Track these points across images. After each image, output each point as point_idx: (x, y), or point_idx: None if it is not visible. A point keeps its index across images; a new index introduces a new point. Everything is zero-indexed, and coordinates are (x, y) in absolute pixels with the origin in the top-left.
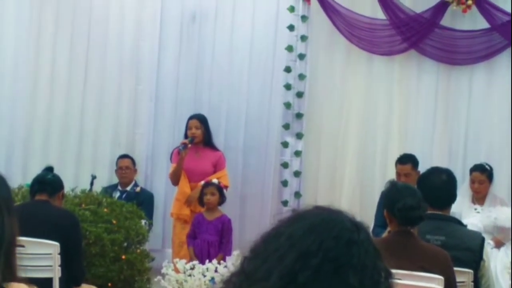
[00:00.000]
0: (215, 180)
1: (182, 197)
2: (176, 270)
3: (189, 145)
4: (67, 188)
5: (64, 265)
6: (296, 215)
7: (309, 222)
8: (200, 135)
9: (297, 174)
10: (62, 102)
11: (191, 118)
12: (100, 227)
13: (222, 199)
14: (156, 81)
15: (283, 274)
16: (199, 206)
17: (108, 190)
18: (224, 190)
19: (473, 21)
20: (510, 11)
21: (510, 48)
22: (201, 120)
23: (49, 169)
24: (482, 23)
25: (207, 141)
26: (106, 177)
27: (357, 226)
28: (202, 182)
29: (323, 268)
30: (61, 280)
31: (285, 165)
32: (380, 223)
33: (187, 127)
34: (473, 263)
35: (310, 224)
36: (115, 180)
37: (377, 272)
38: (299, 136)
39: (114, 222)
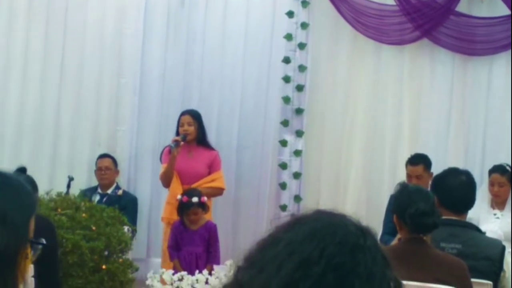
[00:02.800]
0: (194, 199)
1: (174, 200)
2: (163, 282)
3: (182, 143)
4: (41, 191)
5: (38, 276)
6: (295, 220)
7: (310, 227)
8: (193, 132)
9: (297, 175)
10: (36, 96)
11: (183, 113)
12: (78, 234)
13: (205, 210)
14: (140, 73)
15: (282, 284)
16: None
17: (87, 193)
18: (206, 199)
19: (492, 7)
20: None
21: None
22: (194, 116)
23: (21, 170)
24: (502, 9)
25: (201, 139)
26: (84, 178)
27: (363, 231)
28: (179, 197)
29: (326, 277)
30: None
31: (283, 166)
32: (389, 230)
33: (179, 124)
34: (493, 273)
35: (311, 229)
36: (95, 182)
37: (386, 283)
38: (299, 133)
39: (94, 228)
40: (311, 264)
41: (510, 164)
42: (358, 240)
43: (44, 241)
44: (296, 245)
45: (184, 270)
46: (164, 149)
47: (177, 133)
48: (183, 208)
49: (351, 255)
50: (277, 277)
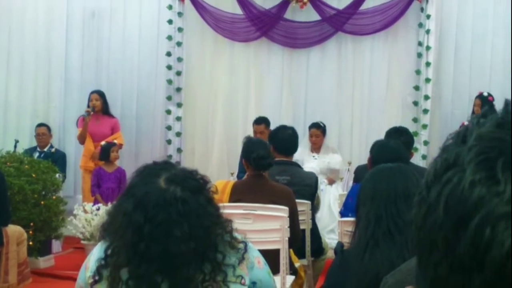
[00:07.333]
0: (115, 141)
1: (87, 153)
2: (85, 212)
3: (91, 113)
4: None
5: None
6: (128, 191)
7: (135, 197)
8: (99, 105)
9: (178, 134)
10: None
11: (92, 92)
12: (22, 180)
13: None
14: (65, 66)
15: (128, 246)
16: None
17: (29, 151)
18: (115, 140)
19: (308, 14)
20: (336, 7)
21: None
22: (100, 94)
23: None
24: (315, 16)
25: (105, 110)
26: (27, 141)
27: (174, 182)
28: (103, 143)
29: (155, 233)
30: None
31: (169, 128)
32: (242, 169)
33: (89, 100)
34: (310, 195)
35: (136, 200)
36: (35, 143)
37: (204, 215)
38: (179, 105)
39: (34, 175)
40: (141, 228)
41: (323, 122)
42: (166, 195)
43: None
44: (128, 216)
45: (104, 201)
46: (79, 118)
47: (88, 106)
48: (110, 147)
49: (165, 210)
50: (122, 242)
